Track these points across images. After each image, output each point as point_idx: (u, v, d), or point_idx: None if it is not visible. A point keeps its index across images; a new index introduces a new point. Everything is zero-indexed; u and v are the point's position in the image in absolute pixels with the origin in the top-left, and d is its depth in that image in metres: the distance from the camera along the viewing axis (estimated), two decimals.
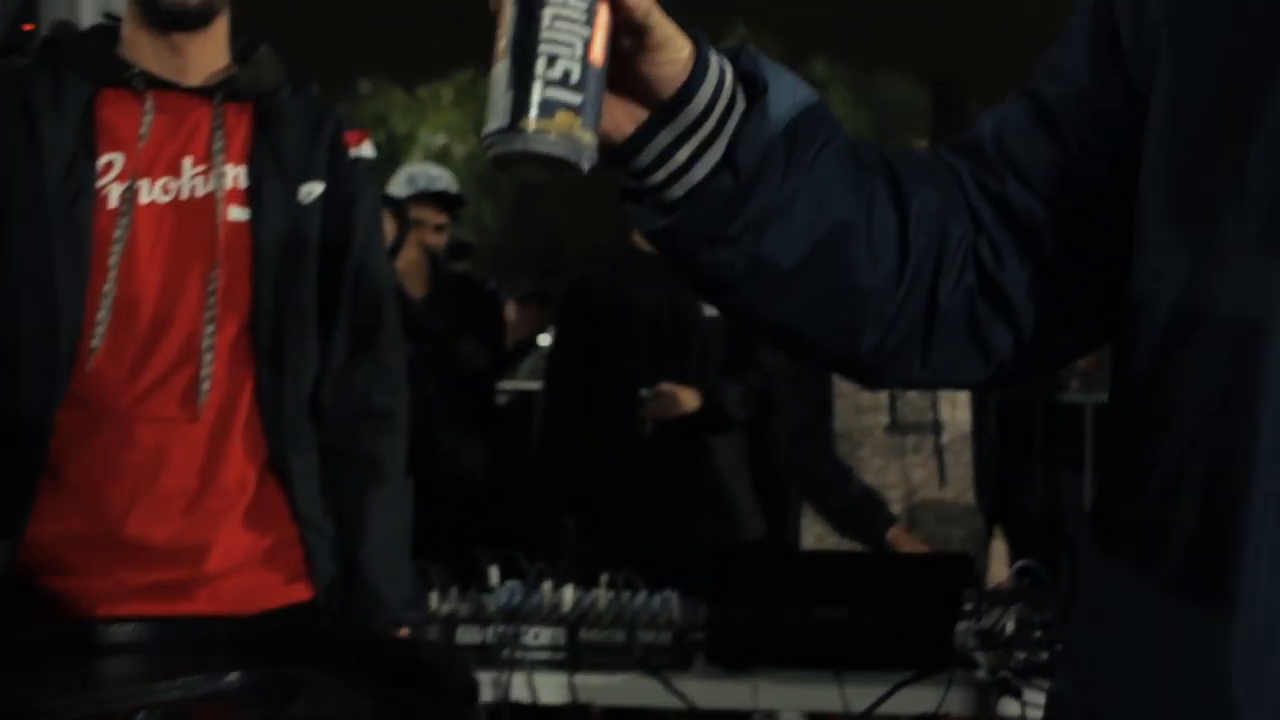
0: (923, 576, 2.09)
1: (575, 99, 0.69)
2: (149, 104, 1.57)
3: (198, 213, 1.58)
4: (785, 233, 0.77)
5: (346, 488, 1.69)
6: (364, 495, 1.69)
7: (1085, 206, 0.82)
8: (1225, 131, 0.71)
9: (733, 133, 0.75)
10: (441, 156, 25.06)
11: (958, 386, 2.01)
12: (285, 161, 1.63)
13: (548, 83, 0.69)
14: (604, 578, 2.28)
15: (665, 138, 0.75)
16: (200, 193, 1.58)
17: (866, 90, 26.82)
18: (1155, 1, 0.78)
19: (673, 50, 0.73)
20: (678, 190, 0.76)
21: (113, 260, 1.52)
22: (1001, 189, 0.82)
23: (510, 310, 5.42)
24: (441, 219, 3.87)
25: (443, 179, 4.05)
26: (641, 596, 2.24)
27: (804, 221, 0.77)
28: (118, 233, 1.53)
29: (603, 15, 0.71)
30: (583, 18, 0.70)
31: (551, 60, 0.69)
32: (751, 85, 0.77)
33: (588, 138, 0.70)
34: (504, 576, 2.31)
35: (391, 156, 25.82)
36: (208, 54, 1.63)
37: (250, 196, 1.60)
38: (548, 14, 0.70)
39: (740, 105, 0.76)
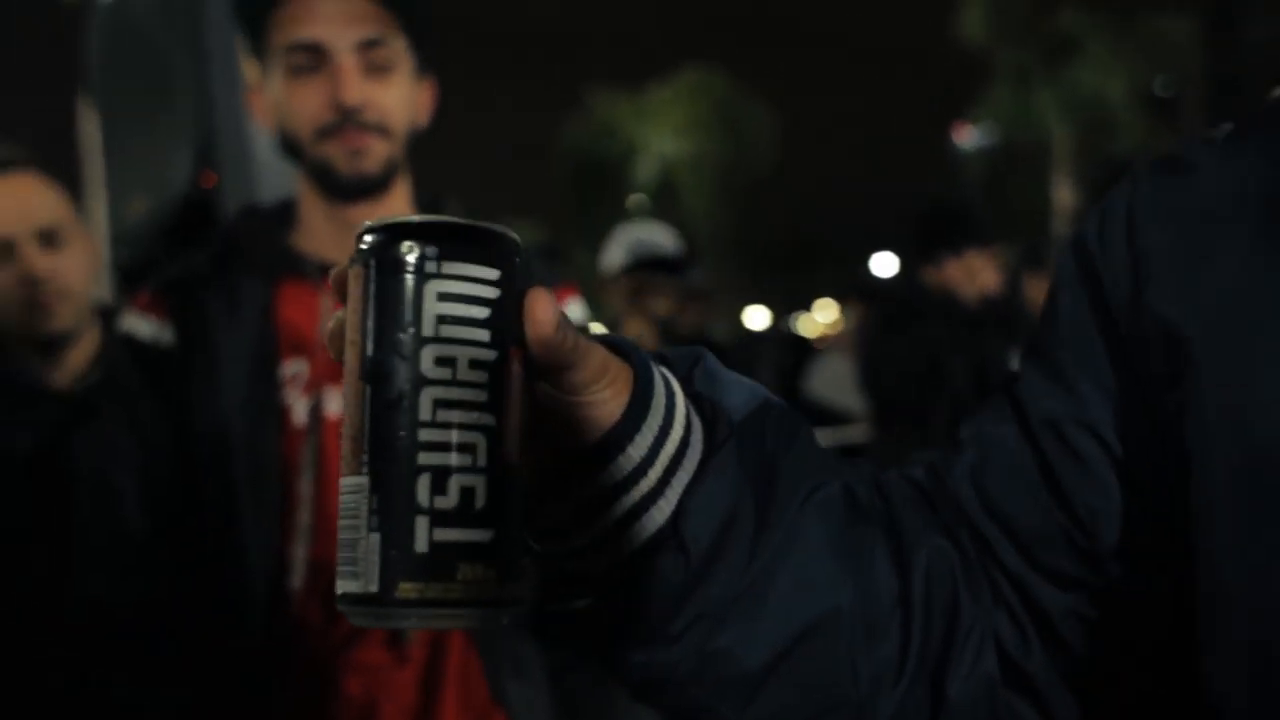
0: None
1: (484, 535, 0.45)
2: (329, 298, 1.38)
3: None
4: (753, 627, 0.59)
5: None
6: None
7: (1108, 580, 0.64)
8: None
9: (682, 494, 0.56)
10: (674, 164, 25.25)
11: None
12: None
13: (438, 517, 0.44)
14: None
15: (584, 493, 0.54)
16: None
17: (1126, 37, 24.52)
18: (1159, 267, 0.61)
19: (602, 385, 0.53)
20: (599, 564, 0.56)
21: (304, 488, 1.32)
22: (1002, 555, 0.66)
23: None
24: (669, 285, 3.53)
25: (665, 243, 3.65)
26: None
27: (779, 611, 0.59)
28: (306, 455, 1.33)
29: (515, 382, 0.47)
30: (484, 397, 0.45)
31: (440, 478, 0.44)
32: (712, 419, 0.58)
33: (509, 590, 0.46)
34: None
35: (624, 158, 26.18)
36: None
37: None
38: (426, 399, 0.44)
39: (696, 451, 0.57)
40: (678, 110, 25.18)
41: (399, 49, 1.37)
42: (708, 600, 0.57)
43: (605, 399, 0.53)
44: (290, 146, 1.39)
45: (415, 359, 0.44)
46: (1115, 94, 23.72)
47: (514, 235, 0.48)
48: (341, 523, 0.46)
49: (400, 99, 1.38)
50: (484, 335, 0.45)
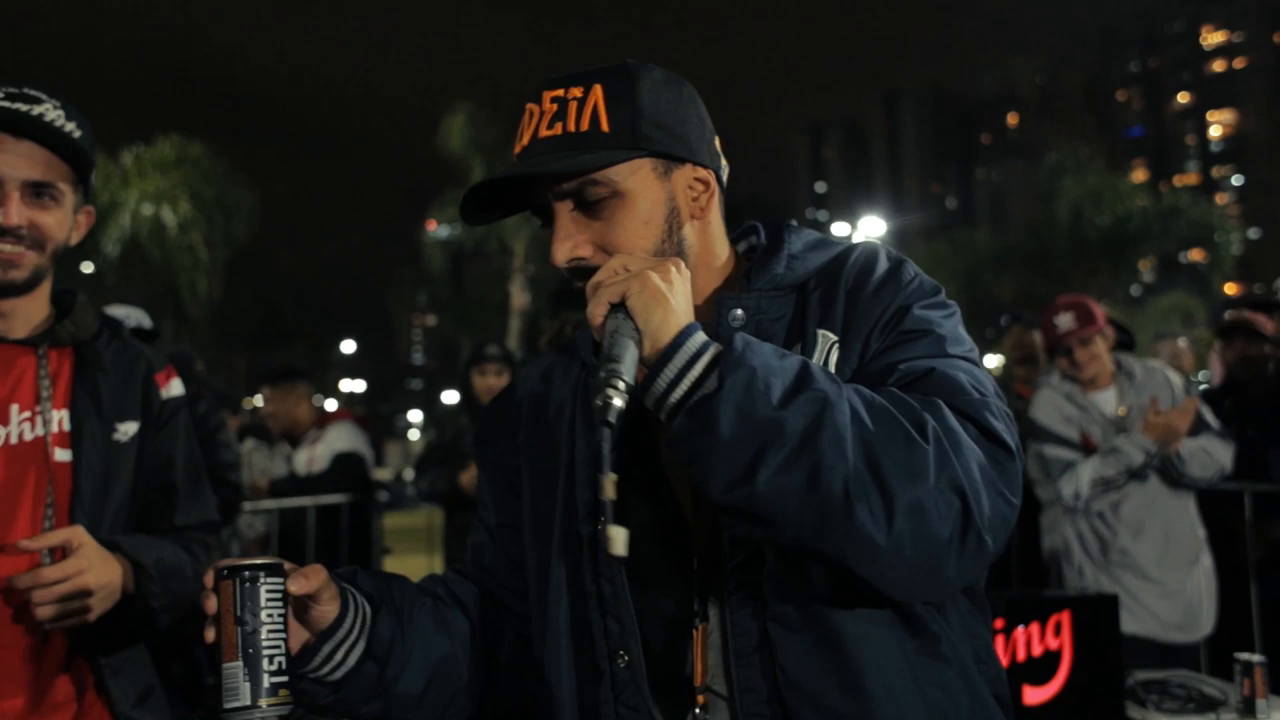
0: None
1: (285, 680, 1.11)
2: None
3: (28, 455, 1.65)
4: (411, 676, 1.27)
5: None
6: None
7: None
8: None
9: (369, 636, 1.24)
10: (154, 225, 23.82)
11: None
12: (104, 404, 1.73)
13: (272, 674, 1.10)
14: None
15: (328, 649, 1.21)
16: (29, 437, 1.66)
17: None
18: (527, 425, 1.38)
19: (328, 605, 1.20)
20: (336, 674, 1.22)
21: None
22: (494, 590, 1.42)
23: None
24: None
25: (133, 316, 3.79)
26: None
27: (420, 665, 1.28)
28: None
29: (291, 617, 1.17)
30: (281, 626, 1.12)
31: (272, 658, 1.10)
32: (370, 594, 1.27)
33: (292, 700, 1.12)
34: None
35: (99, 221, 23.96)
36: (31, 309, 1.75)
37: (73, 438, 1.68)
38: (263, 629, 1.10)
39: (366, 613, 1.25)
40: (158, 176, 23.59)
41: (64, 188, 1.68)
42: (390, 673, 1.24)
43: (328, 611, 1.19)
44: None
45: (257, 615, 1.10)
46: None
47: (284, 563, 1.14)
48: (226, 675, 1.08)
49: (58, 222, 1.69)
50: (279, 602, 1.11)
